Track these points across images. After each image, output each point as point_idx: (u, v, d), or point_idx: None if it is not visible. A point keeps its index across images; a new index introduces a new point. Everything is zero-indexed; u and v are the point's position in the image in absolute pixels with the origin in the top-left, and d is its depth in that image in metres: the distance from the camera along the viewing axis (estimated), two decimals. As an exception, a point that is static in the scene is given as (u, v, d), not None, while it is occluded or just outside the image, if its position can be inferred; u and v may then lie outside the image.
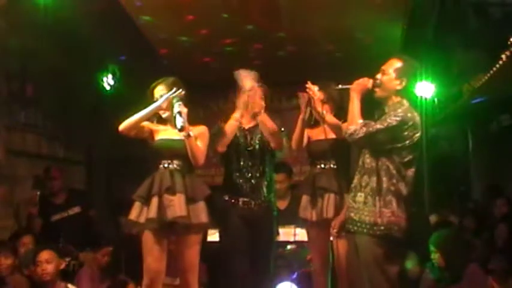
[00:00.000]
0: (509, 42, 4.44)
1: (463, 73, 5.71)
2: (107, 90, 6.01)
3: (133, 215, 3.46)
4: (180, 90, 3.46)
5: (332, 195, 3.69)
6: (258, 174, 3.77)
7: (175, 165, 3.49)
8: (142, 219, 3.43)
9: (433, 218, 5.80)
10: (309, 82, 3.71)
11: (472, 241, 5.01)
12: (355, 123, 3.25)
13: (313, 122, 3.82)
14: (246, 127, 3.84)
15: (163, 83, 3.58)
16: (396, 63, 3.31)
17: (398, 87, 3.28)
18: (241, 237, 3.68)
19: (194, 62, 6.16)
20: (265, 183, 3.80)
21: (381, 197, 3.19)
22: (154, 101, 3.53)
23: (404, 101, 3.30)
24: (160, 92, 3.55)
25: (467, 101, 5.85)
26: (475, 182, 7.39)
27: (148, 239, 3.45)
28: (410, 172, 3.24)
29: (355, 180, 3.33)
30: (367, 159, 3.28)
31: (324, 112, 3.64)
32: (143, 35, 5.46)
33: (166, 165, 3.49)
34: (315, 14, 5.01)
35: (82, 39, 5.34)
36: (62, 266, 4.11)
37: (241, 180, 3.75)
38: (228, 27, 5.34)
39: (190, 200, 3.44)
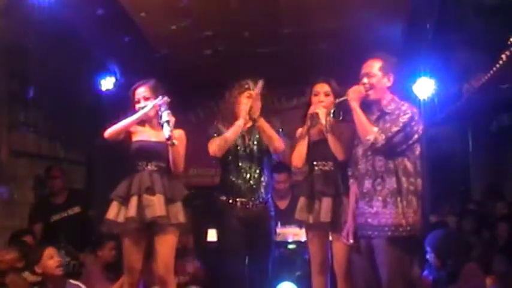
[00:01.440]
0: (509, 42, 4.44)
1: (463, 73, 5.70)
2: (106, 91, 6.01)
3: (111, 214, 3.51)
4: (166, 98, 3.51)
5: (330, 199, 3.66)
6: (256, 175, 3.77)
7: (153, 166, 3.55)
8: (121, 219, 3.48)
9: (432, 218, 5.80)
10: (313, 107, 3.70)
11: (471, 241, 5.01)
12: (372, 132, 3.25)
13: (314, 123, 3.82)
14: (244, 129, 3.83)
15: (145, 85, 3.65)
16: (377, 63, 3.36)
17: (388, 84, 3.35)
18: (239, 237, 3.68)
19: (194, 62, 6.16)
20: (263, 183, 3.79)
21: (402, 198, 3.19)
22: (136, 102, 3.61)
23: (396, 97, 3.35)
24: (143, 93, 3.62)
25: (467, 101, 5.85)
26: (475, 182, 7.38)
27: (126, 238, 3.52)
28: (421, 165, 3.29)
29: (367, 185, 3.31)
30: (379, 162, 3.27)
31: (330, 129, 3.63)
32: (143, 35, 5.46)
33: (144, 166, 3.55)
34: (315, 13, 5.01)
35: (82, 39, 5.34)
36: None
37: (239, 181, 3.75)
38: (228, 26, 5.34)
39: (169, 201, 3.50)
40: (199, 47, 5.81)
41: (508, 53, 4.48)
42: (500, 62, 4.64)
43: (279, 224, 4.48)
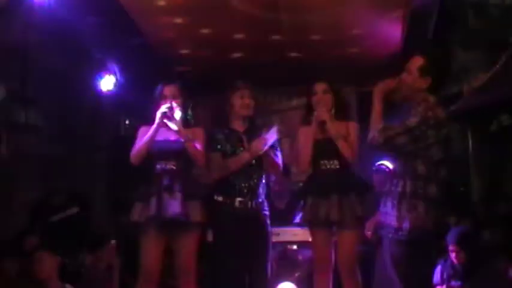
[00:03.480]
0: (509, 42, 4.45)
1: (463, 73, 5.70)
2: (107, 90, 6.01)
3: (135, 216, 3.54)
4: (174, 104, 3.55)
5: (336, 197, 3.67)
6: (254, 175, 3.77)
7: (172, 166, 3.56)
8: (143, 219, 3.50)
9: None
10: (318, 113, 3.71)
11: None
12: (375, 128, 3.22)
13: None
14: (241, 130, 3.83)
15: (172, 85, 3.70)
16: (419, 62, 3.23)
17: (424, 86, 3.23)
18: (237, 237, 3.68)
19: (194, 62, 6.16)
20: (261, 183, 3.80)
21: (405, 201, 3.16)
22: (163, 101, 3.61)
23: (430, 98, 3.25)
24: (170, 92, 3.65)
25: (467, 101, 5.85)
26: (475, 182, 7.37)
27: (146, 238, 3.52)
28: (443, 171, 3.23)
29: (388, 185, 3.31)
30: (396, 164, 3.29)
31: (337, 133, 3.65)
32: (143, 35, 5.46)
33: (163, 165, 3.57)
34: (315, 13, 5.01)
35: (82, 39, 5.34)
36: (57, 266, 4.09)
37: (238, 182, 3.74)
38: (228, 28, 5.34)
39: (188, 199, 3.50)
40: (199, 48, 5.82)
41: (508, 53, 4.48)
42: (500, 62, 4.64)
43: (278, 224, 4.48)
